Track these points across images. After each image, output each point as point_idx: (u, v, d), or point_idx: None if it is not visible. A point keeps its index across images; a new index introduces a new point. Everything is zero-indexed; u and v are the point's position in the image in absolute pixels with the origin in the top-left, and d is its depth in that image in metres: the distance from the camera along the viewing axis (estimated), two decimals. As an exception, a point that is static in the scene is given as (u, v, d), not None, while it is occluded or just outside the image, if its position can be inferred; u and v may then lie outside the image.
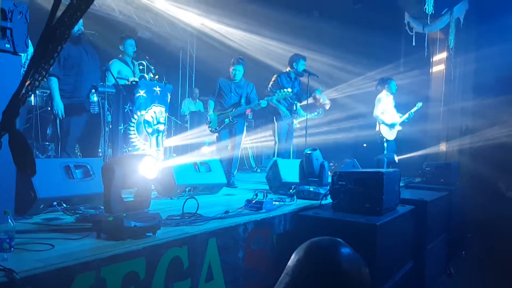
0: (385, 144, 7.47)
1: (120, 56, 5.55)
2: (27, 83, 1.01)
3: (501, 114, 8.08)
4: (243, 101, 6.08)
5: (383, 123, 7.39)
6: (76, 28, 4.74)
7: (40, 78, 0.99)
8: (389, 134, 7.50)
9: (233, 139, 6.03)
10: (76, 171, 3.49)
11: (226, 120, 5.96)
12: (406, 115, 7.50)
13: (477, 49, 8.27)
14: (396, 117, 7.52)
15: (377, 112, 7.40)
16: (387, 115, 7.43)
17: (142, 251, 2.37)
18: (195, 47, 11.37)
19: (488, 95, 8.02)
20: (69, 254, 2.18)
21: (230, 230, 3.11)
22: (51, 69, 3.72)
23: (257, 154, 9.56)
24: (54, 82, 4.59)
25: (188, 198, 3.37)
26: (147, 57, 5.68)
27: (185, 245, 2.64)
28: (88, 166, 3.57)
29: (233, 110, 5.98)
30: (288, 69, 6.67)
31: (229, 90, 6.06)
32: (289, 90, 6.13)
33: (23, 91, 1.02)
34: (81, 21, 4.84)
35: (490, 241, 6.43)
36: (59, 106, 4.57)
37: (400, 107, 7.75)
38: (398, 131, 7.61)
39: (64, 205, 3.33)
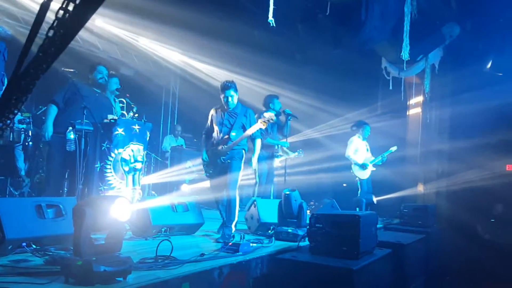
0: (359, 184, 7.58)
1: None
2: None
3: (477, 157, 8.27)
4: (234, 132, 4.81)
5: (355, 163, 7.56)
6: (99, 75, 5.07)
7: (3, 127, 0.97)
8: (361, 174, 7.67)
9: (226, 178, 4.81)
10: (48, 210, 3.41)
11: (218, 160, 4.83)
12: (379, 158, 7.67)
13: (452, 94, 8.56)
14: (368, 158, 7.70)
15: (349, 152, 7.61)
16: (359, 155, 7.61)
17: (110, 298, 2.29)
18: (178, 85, 11.49)
19: (464, 139, 8.24)
20: (33, 301, 2.11)
21: (205, 274, 3.03)
22: (55, 97, 3.76)
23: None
24: (53, 109, 4.74)
25: (162, 240, 3.30)
26: (127, 95, 5.69)
27: (156, 291, 2.56)
28: (61, 206, 3.48)
29: (223, 147, 4.78)
30: (264, 110, 6.78)
31: (220, 122, 4.90)
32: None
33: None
34: (105, 70, 5.12)
35: (469, 284, 6.41)
36: (48, 129, 4.65)
37: (377, 149, 7.89)
38: (374, 172, 7.74)
39: (34, 246, 3.21)
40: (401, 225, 6.63)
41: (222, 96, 4.89)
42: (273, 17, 4.48)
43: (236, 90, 4.89)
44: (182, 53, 9.34)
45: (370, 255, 3.90)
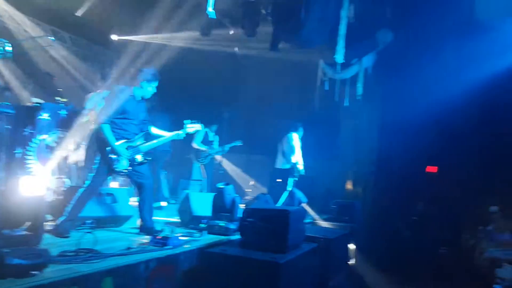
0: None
1: None
2: None
3: (402, 158, 8.79)
4: (150, 127, 4.47)
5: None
6: None
7: None
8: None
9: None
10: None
11: (136, 158, 4.20)
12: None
13: (383, 97, 9.00)
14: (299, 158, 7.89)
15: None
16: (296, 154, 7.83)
17: (24, 292, 2.16)
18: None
19: (392, 140, 8.71)
20: None
21: (130, 269, 2.95)
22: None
23: (173, 183, 9.34)
24: None
25: (86, 232, 3.16)
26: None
27: (75, 286, 2.45)
28: (-27, 194, 3.21)
29: (146, 143, 4.30)
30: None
31: (135, 112, 4.24)
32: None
33: None
34: None
35: (389, 277, 6.80)
36: None
37: (313, 147, 8.10)
38: (307, 169, 7.97)
39: None
40: (329, 220, 6.87)
41: (152, 86, 4.34)
42: (213, 8, 4.40)
43: None
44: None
45: (297, 249, 4.01)
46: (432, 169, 9.65)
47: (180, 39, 8.07)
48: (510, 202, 7.27)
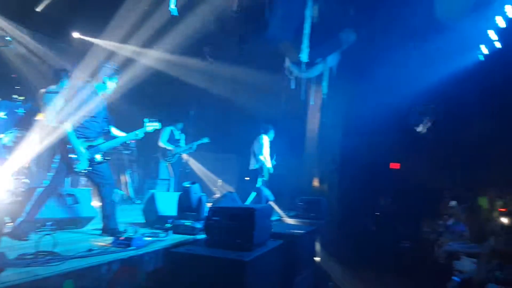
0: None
1: None
2: None
3: (366, 155, 9.02)
4: (111, 126, 4.42)
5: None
6: None
7: None
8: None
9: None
10: None
11: (96, 158, 4.10)
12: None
13: (347, 96, 9.20)
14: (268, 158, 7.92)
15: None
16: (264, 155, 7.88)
17: (-23, 298, 2.07)
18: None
19: (356, 137, 8.92)
20: None
21: (91, 271, 2.88)
22: None
23: (138, 183, 9.19)
24: None
25: (45, 234, 3.07)
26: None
27: (34, 289, 2.38)
28: None
29: (106, 142, 4.23)
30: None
31: (97, 109, 4.14)
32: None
33: None
34: None
35: (355, 272, 6.96)
36: None
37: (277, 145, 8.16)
38: (275, 166, 8.02)
39: None
40: (296, 217, 6.95)
41: (114, 82, 4.26)
42: (175, 6, 4.33)
43: None
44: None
45: (264, 247, 4.03)
46: (395, 165, 9.98)
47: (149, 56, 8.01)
48: (469, 197, 7.59)
